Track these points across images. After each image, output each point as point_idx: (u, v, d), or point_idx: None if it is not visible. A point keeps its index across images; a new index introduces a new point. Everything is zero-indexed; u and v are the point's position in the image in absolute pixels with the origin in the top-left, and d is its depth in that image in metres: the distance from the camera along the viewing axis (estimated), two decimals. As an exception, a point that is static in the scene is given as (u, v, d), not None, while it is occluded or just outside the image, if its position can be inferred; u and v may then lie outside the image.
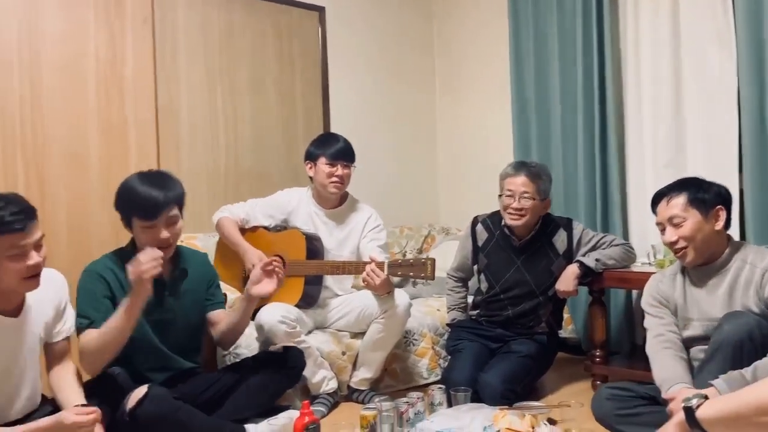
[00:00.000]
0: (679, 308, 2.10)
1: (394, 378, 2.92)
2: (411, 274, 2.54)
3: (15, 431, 1.77)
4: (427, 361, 2.99)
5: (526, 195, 2.69)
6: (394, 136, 4.19)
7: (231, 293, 2.65)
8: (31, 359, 1.96)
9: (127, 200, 2.12)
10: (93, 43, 3.08)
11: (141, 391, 1.97)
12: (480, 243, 2.86)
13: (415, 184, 4.28)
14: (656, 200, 2.11)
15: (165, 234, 2.11)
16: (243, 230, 2.86)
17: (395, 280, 2.74)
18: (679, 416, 1.41)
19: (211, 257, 2.95)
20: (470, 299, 2.99)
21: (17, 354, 1.91)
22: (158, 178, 2.17)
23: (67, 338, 2.07)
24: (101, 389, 2.05)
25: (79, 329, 2.06)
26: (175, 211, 2.14)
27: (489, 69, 4.05)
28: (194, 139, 3.43)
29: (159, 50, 3.27)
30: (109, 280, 2.13)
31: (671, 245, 2.06)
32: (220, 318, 2.35)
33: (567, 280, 2.70)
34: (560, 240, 2.79)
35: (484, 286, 2.86)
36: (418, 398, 2.25)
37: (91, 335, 2.02)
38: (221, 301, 2.43)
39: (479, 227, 2.89)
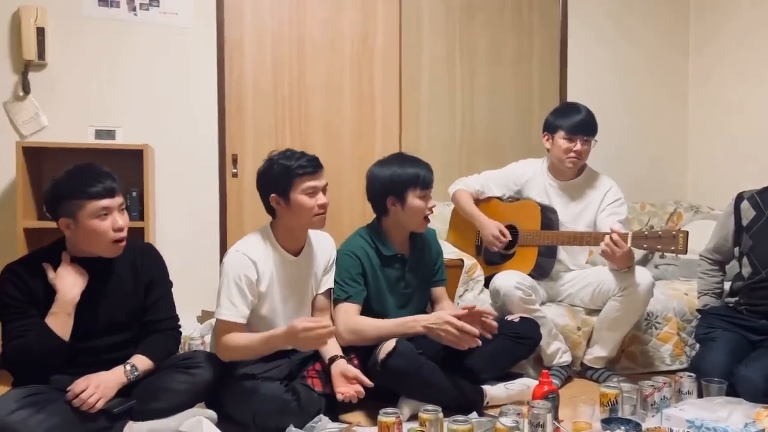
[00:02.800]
0: None
1: (633, 360, 2.77)
2: (659, 246, 2.35)
3: (253, 337, 2.06)
4: (670, 347, 2.78)
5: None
6: (637, 105, 3.90)
7: (468, 259, 2.72)
8: (306, 298, 2.27)
9: (401, 176, 2.30)
10: (349, 19, 3.36)
11: (390, 344, 2.14)
12: (745, 222, 2.53)
13: (659, 157, 3.95)
14: None
15: (432, 202, 2.33)
16: (477, 201, 2.91)
17: (638, 255, 2.55)
18: None
19: (444, 228, 3.08)
20: (726, 285, 2.69)
21: (297, 288, 2.22)
22: (412, 158, 2.38)
23: (328, 294, 2.32)
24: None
25: (336, 300, 2.29)
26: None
27: (759, 27, 3.54)
28: (432, 111, 3.56)
29: (405, 25, 3.45)
30: (361, 257, 2.33)
31: None
32: (440, 295, 2.48)
33: None
34: None
35: (746, 271, 2.53)
36: (664, 383, 2.11)
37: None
38: (444, 279, 2.54)
39: (745, 204, 2.55)
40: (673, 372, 2.44)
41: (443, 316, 2.14)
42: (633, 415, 2.01)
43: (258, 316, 2.14)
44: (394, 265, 2.38)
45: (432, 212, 2.36)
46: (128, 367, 1.95)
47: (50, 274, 1.92)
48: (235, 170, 3.24)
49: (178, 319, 2.17)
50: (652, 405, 2.06)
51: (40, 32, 2.86)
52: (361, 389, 2.02)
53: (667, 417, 1.97)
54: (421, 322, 2.17)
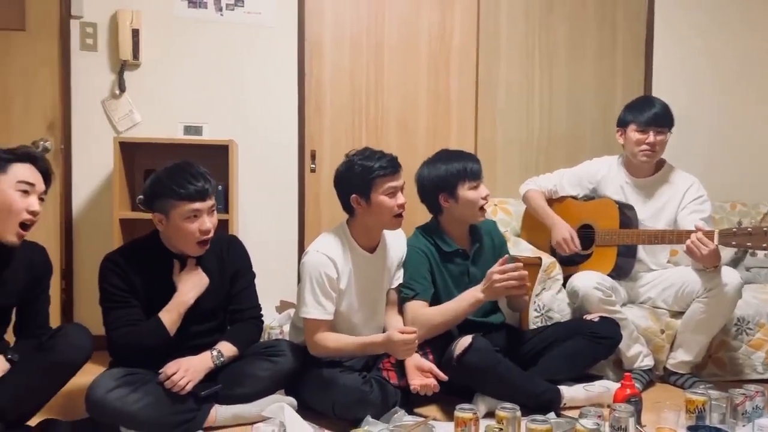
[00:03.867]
0: None
1: (720, 367, 2.64)
2: (748, 244, 2.25)
3: (348, 340, 2.13)
4: (762, 355, 2.64)
5: None
6: (729, 100, 3.69)
7: (546, 257, 2.68)
8: (381, 293, 2.30)
9: (451, 170, 2.30)
10: (426, 18, 3.37)
11: (466, 340, 2.14)
12: None
13: (753, 154, 3.72)
14: None
15: (485, 191, 2.34)
16: (550, 201, 2.85)
17: (725, 255, 2.42)
18: None
19: (519, 225, 3.04)
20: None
21: (373, 284, 2.26)
22: (456, 152, 2.40)
23: (398, 289, 2.34)
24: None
25: (405, 299, 2.30)
26: None
27: None
28: (509, 108, 3.51)
29: (483, 21, 3.42)
30: (427, 253, 2.34)
31: None
32: None
33: None
34: None
35: None
36: (757, 392, 2.01)
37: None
38: None
39: None
40: (766, 381, 2.31)
41: (489, 271, 2.15)
42: (722, 423, 1.94)
43: (337, 312, 2.19)
44: (456, 260, 2.37)
45: (486, 201, 2.34)
46: (215, 353, 2.05)
47: (175, 272, 2.06)
48: (313, 165, 3.31)
49: (260, 309, 2.26)
50: (743, 414, 1.97)
51: (135, 33, 3.02)
52: (436, 382, 2.03)
53: (760, 427, 1.88)
54: (479, 289, 2.17)
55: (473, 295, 2.18)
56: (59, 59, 2.97)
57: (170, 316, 2.00)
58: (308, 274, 2.13)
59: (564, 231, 2.66)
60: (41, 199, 1.87)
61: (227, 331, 2.17)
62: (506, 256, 2.25)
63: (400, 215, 2.17)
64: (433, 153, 3.25)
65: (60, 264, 2.98)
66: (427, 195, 2.37)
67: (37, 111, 2.96)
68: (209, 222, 2.03)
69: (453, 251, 2.37)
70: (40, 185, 1.87)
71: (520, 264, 2.15)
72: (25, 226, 1.84)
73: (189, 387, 1.94)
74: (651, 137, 2.60)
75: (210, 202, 2.03)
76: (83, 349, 1.83)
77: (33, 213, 1.83)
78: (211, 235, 2.05)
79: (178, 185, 1.98)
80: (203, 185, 2.00)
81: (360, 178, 2.13)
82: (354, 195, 2.16)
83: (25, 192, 1.82)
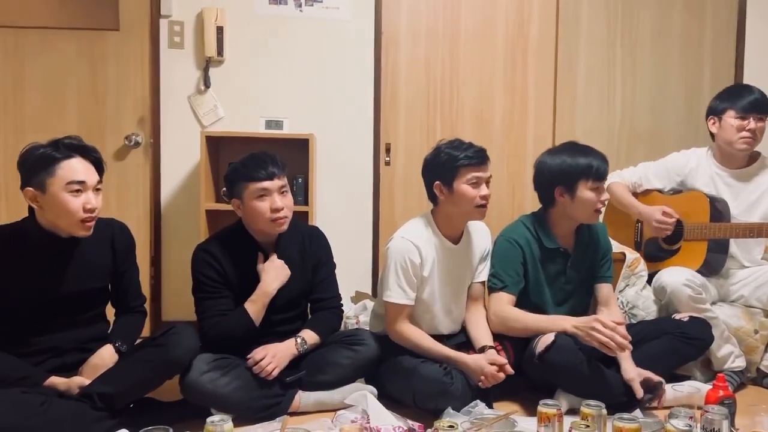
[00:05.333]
0: None
1: (819, 371, 2.49)
2: None
3: (429, 343, 2.15)
4: None
5: None
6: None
7: (630, 253, 2.60)
8: (463, 285, 2.30)
9: (574, 166, 2.23)
10: (504, 8, 3.32)
11: (549, 338, 2.11)
12: None
13: None
14: None
15: (606, 195, 2.27)
16: (635, 195, 2.75)
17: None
18: None
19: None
20: None
21: (455, 275, 2.26)
22: (585, 147, 2.30)
23: (483, 284, 2.33)
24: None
25: (492, 289, 2.29)
26: None
27: None
28: (590, 98, 3.42)
29: (562, 7, 3.34)
30: (523, 246, 2.29)
31: None
32: (604, 292, 2.36)
33: None
34: None
35: None
36: None
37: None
38: (610, 276, 2.41)
39: None
40: None
41: (594, 317, 2.07)
42: (823, 429, 1.83)
43: (418, 299, 2.20)
44: (556, 259, 2.32)
45: (604, 205, 2.27)
46: (299, 340, 2.11)
47: (259, 263, 2.13)
48: (388, 158, 3.34)
49: (341, 298, 2.30)
50: None
51: (219, 31, 3.13)
52: (502, 375, 2.03)
53: None
54: (572, 322, 2.11)
55: (563, 325, 2.13)
56: (149, 57, 3.11)
57: (255, 307, 2.07)
58: (393, 259, 2.16)
59: (656, 212, 2.56)
60: (98, 190, 1.86)
61: (309, 320, 2.23)
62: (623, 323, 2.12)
63: (482, 206, 2.16)
64: (509, 145, 3.22)
65: (149, 253, 3.14)
66: (543, 185, 2.32)
67: (129, 106, 3.12)
68: (280, 201, 2.08)
69: (554, 249, 2.31)
70: (92, 179, 1.84)
71: (624, 332, 2.04)
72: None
73: (275, 372, 2.01)
74: (752, 123, 2.49)
75: (279, 182, 2.10)
76: (192, 350, 1.94)
77: (90, 210, 1.82)
78: (284, 213, 2.09)
79: (249, 168, 2.08)
80: (271, 167, 2.08)
81: (445, 166, 2.15)
82: (437, 182, 2.18)
83: (77, 191, 1.80)
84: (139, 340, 2.07)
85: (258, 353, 2.02)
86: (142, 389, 1.92)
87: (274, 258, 2.14)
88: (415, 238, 2.18)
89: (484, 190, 2.15)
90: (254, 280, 2.11)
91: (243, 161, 2.13)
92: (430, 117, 3.34)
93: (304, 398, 2.08)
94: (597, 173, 2.21)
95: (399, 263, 2.15)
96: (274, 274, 2.11)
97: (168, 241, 3.18)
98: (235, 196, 2.12)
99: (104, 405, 1.79)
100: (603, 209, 2.28)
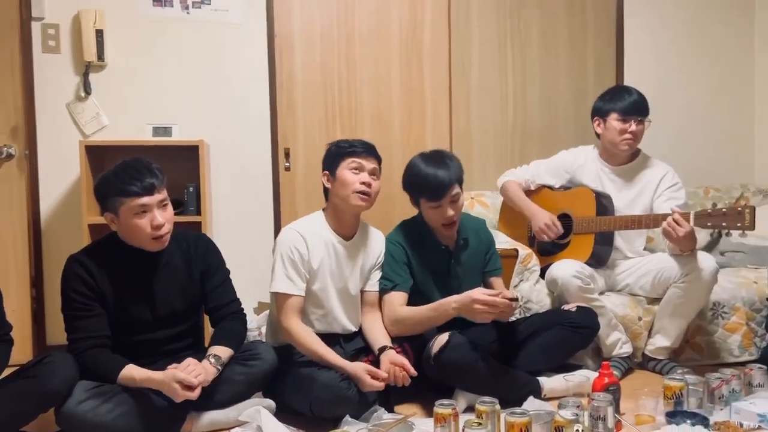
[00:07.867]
0: None
1: (698, 351, 2.67)
2: (723, 224, 2.27)
3: (317, 346, 2.09)
4: (739, 338, 2.66)
5: None
6: (699, 85, 3.73)
7: (522, 249, 2.67)
8: (356, 285, 2.27)
9: (415, 183, 2.28)
10: (397, 11, 3.33)
11: (443, 338, 2.12)
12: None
13: (724, 139, 3.76)
14: None
15: (450, 212, 2.25)
16: (528, 192, 2.85)
17: (700, 240, 2.42)
18: None
19: (497, 217, 3.03)
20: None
21: (347, 271, 2.24)
22: (440, 159, 2.28)
23: (377, 292, 2.30)
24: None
25: (384, 290, 2.29)
26: (457, 189, 2.25)
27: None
28: (483, 98, 3.50)
29: (454, 10, 3.40)
30: (405, 246, 2.31)
31: None
32: (496, 285, 2.41)
33: None
34: None
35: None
36: (733, 375, 2.02)
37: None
38: (498, 268, 2.46)
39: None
40: (742, 364, 2.33)
41: (470, 294, 2.08)
42: (699, 408, 1.94)
43: (310, 291, 2.18)
44: (440, 257, 2.34)
45: (451, 220, 2.26)
46: (212, 359, 1.97)
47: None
48: (288, 164, 3.27)
49: (240, 303, 2.22)
50: (720, 398, 1.98)
51: (99, 34, 2.95)
52: (406, 375, 2.02)
53: (737, 411, 1.89)
54: (452, 304, 2.13)
55: (447, 308, 2.14)
56: (21, 62, 2.89)
57: (134, 375, 1.89)
58: (279, 250, 2.17)
59: (545, 217, 2.66)
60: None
61: (214, 335, 2.11)
62: (507, 292, 2.17)
63: (363, 193, 2.15)
64: (409, 145, 3.24)
65: (30, 272, 2.91)
66: (412, 193, 2.34)
67: (0, 116, 2.89)
68: (160, 216, 1.96)
69: (435, 247, 2.34)
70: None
71: (507, 302, 2.07)
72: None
73: (199, 379, 1.86)
74: (633, 126, 2.62)
75: (159, 196, 1.97)
76: (70, 379, 1.82)
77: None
78: (165, 230, 1.98)
79: (123, 182, 1.93)
80: (149, 179, 1.94)
81: (331, 155, 2.22)
82: (325, 172, 2.22)
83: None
84: (7, 372, 1.90)
85: (186, 362, 1.89)
86: (13, 426, 1.77)
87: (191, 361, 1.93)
88: (301, 229, 2.19)
89: (365, 177, 2.16)
90: (131, 293, 1.99)
91: (115, 171, 1.96)
92: (329, 120, 3.31)
93: (196, 419, 1.98)
94: (431, 194, 2.23)
95: (285, 253, 2.14)
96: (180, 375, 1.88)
97: (50, 258, 2.96)
98: (109, 211, 1.97)
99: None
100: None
